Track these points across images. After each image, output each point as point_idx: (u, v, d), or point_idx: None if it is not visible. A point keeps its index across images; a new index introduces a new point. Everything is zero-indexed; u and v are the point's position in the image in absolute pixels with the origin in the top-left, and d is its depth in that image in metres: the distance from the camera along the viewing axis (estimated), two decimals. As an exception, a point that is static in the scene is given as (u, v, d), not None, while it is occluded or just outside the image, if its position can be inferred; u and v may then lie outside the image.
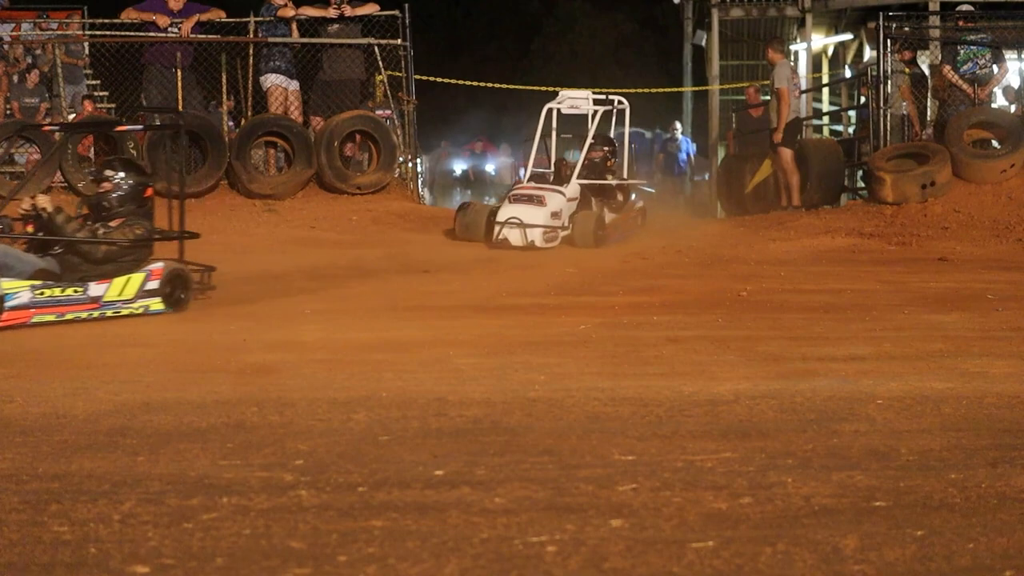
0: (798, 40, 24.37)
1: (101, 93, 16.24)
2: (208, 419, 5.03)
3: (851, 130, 20.27)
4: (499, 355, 6.69)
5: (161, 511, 3.67)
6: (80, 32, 16.28)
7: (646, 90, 23.81)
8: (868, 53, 20.78)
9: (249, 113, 14.80)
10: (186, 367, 6.43)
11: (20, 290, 7.92)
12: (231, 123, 14.98)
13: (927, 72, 16.25)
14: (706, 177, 24.54)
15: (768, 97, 16.80)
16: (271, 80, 14.63)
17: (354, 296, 9.36)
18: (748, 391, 5.55)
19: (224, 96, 14.67)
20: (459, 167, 29.65)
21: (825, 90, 24.69)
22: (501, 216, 12.87)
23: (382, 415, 5.07)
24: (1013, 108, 16.04)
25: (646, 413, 5.10)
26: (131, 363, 6.55)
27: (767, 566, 3.18)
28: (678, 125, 24.32)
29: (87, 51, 16.45)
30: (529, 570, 3.16)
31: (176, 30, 14.44)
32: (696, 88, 26.24)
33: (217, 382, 5.91)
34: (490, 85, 21.69)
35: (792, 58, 23.39)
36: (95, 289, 8.28)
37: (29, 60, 16.71)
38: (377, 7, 15.04)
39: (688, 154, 24.05)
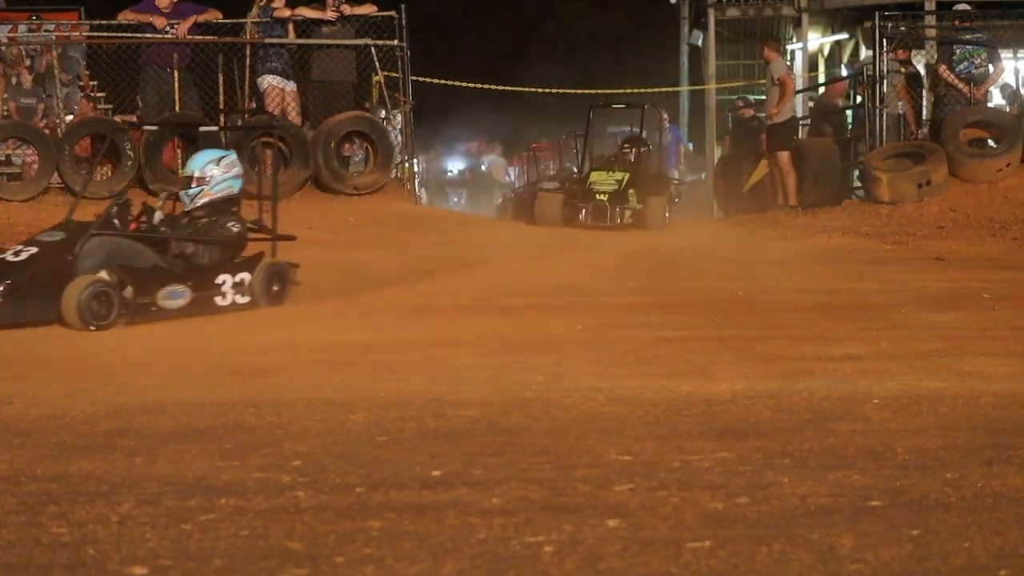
0: (794, 40, 24.39)
1: (99, 94, 16.23)
2: (206, 420, 5.04)
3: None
4: (496, 355, 6.70)
5: (159, 512, 3.68)
6: (77, 34, 16.26)
7: (643, 90, 23.82)
8: (864, 52, 20.78)
9: (246, 114, 14.79)
10: (184, 368, 6.44)
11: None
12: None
13: (922, 71, 16.25)
14: (703, 176, 24.51)
15: (763, 96, 16.80)
16: (268, 81, 14.63)
17: (352, 296, 9.36)
18: (745, 391, 5.56)
19: (221, 96, 14.65)
20: (456, 167, 29.64)
21: (821, 90, 24.68)
22: None
23: (379, 416, 5.08)
24: (1009, 107, 16.06)
25: (643, 413, 5.11)
26: (129, 365, 6.56)
27: (763, 566, 3.19)
28: (665, 115, 23.96)
29: (83, 62, 16.42)
30: (526, 570, 3.17)
31: (173, 31, 14.44)
32: (693, 88, 26.24)
33: (215, 383, 5.92)
34: (487, 86, 21.70)
35: (788, 58, 23.40)
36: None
37: (28, 62, 16.70)
38: (375, 7, 15.03)
39: (680, 145, 23.85)
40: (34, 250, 8.51)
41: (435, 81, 19.29)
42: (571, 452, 4.41)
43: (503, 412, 5.15)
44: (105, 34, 15.11)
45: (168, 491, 3.91)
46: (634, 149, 16.85)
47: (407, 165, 15.82)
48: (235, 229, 9.24)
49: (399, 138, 15.94)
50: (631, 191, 15.54)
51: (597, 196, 15.34)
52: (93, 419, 5.11)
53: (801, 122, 18.51)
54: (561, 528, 3.49)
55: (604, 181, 15.68)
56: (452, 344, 7.12)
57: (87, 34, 15.69)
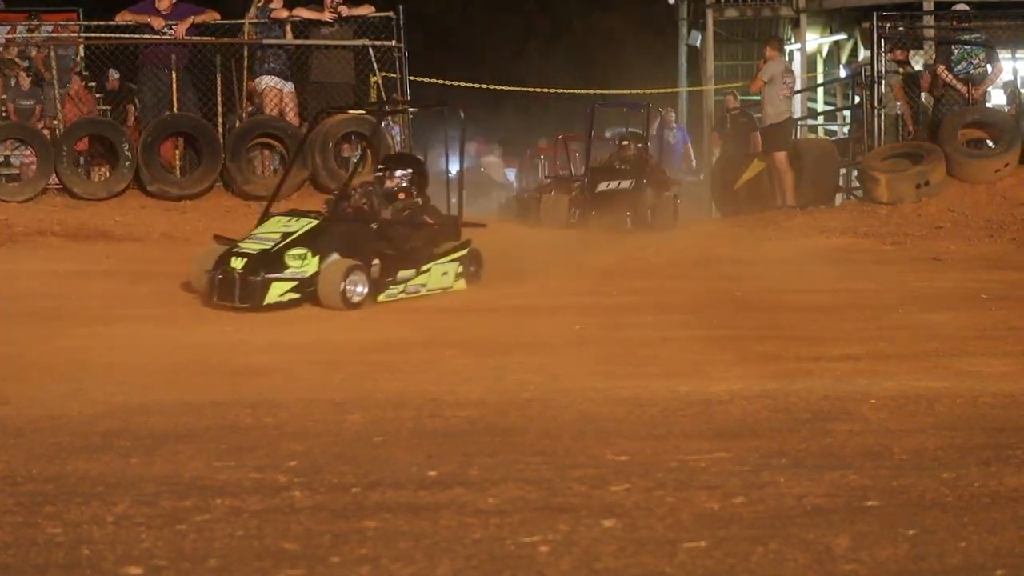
0: (793, 40, 24.38)
1: (96, 95, 16.22)
2: (203, 421, 5.04)
3: (846, 130, 20.27)
4: (494, 356, 6.69)
5: (154, 513, 3.67)
6: (76, 35, 16.25)
7: (641, 91, 23.81)
8: (863, 53, 20.80)
9: (244, 115, 14.79)
10: (181, 369, 6.43)
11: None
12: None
13: (921, 71, 16.26)
14: (700, 177, 24.49)
15: (757, 97, 16.81)
16: (266, 82, 14.62)
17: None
18: (743, 391, 5.55)
19: (219, 97, 14.64)
20: (454, 168, 29.55)
21: (820, 90, 24.70)
22: None
23: (377, 416, 5.08)
24: (1008, 107, 16.06)
25: (640, 413, 5.11)
26: (126, 365, 6.55)
27: (759, 566, 3.18)
28: (672, 113, 23.59)
29: (80, 56, 16.41)
30: (521, 570, 3.17)
31: (171, 32, 14.43)
32: (691, 88, 26.24)
33: (212, 384, 5.92)
34: (485, 86, 21.69)
35: (787, 58, 23.40)
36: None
37: (26, 63, 16.69)
38: (372, 8, 15.02)
39: (686, 143, 23.70)
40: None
41: (433, 81, 19.27)
42: (568, 452, 4.41)
43: (500, 412, 5.15)
44: (103, 35, 15.10)
45: (164, 491, 3.90)
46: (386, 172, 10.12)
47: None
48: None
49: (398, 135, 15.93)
50: (299, 251, 8.95)
51: (231, 261, 8.91)
52: (90, 419, 5.10)
53: (799, 122, 18.51)
54: (557, 528, 3.49)
55: (264, 235, 9.23)
56: (450, 345, 7.12)
57: (85, 35, 15.68)
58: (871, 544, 3.33)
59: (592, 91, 23.85)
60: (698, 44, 25.48)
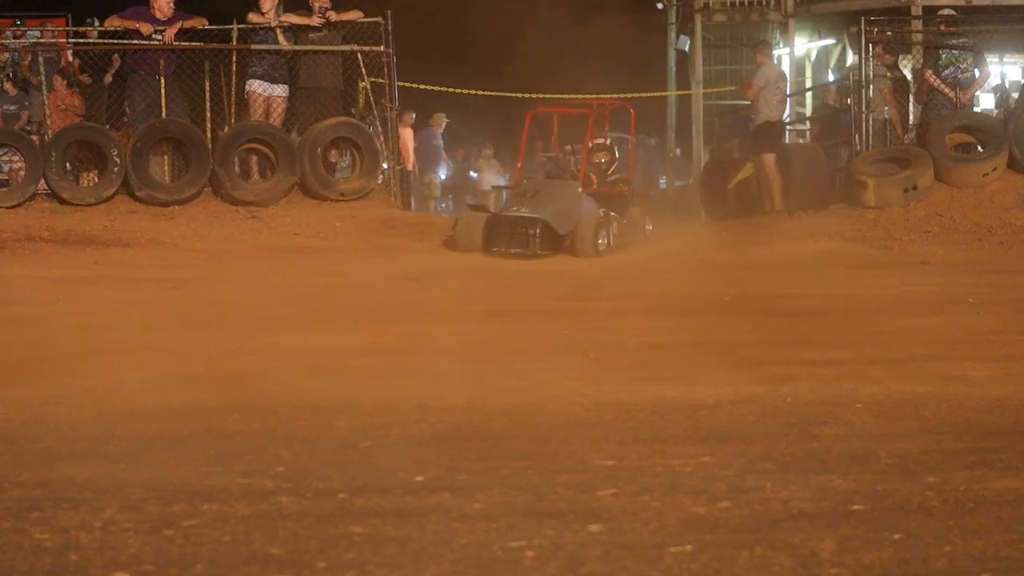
0: (781, 45, 24.41)
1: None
2: (190, 426, 5.04)
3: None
4: (481, 361, 6.70)
5: (142, 518, 3.67)
6: (63, 40, 16.24)
7: (630, 95, 23.81)
8: (851, 57, 20.82)
9: (232, 120, 14.78)
10: (169, 374, 6.42)
11: None
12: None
13: (909, 76, 16.28)
14: (690, 182, 24.52)
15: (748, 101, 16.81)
16: (250, 86, 14.60)
17: (338, 302, 9.35)
18: (729, 395, 5.56)
19: (207, 103, 14.62)
20: (442, 174, 29.54)
21: (808, 94, 24.72)
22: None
23: (364, 421, 5.08)
24: (996, 112, 16.10)
25: (627, 418, 5.11)
26: (114, 370, 6.54)
27: (744, 570, 3.19)
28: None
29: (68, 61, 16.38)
30: (507, 575, 3.18)
31: (159, 38, 14.41)
32: (680, 93, 26.25)
33: (200, 389, 5.91)
34: (474, 92, 21.69)
35: (776, 62, 23.40)
36: None
37: (10, 72, 16.67)
38: (361, 14, 15.01)
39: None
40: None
41: (422, 87, 19.27)
42: (555, 457, 4.41)
43: (488, 417, 5.15)
44: (91, 40, 15.09)
45: (151, 497, 3.90)
46: None
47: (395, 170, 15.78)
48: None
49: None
50: None
51: None
52: (78, 425, 5.10)
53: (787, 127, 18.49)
54: (543, 533, 3.49)
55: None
56: (437, 349, 7.12)
57: (73, 40, 15.67)
58: (856, 548, 3.34)
59: (582, 96, 23.85)
60: (686, 49, 25.50)
